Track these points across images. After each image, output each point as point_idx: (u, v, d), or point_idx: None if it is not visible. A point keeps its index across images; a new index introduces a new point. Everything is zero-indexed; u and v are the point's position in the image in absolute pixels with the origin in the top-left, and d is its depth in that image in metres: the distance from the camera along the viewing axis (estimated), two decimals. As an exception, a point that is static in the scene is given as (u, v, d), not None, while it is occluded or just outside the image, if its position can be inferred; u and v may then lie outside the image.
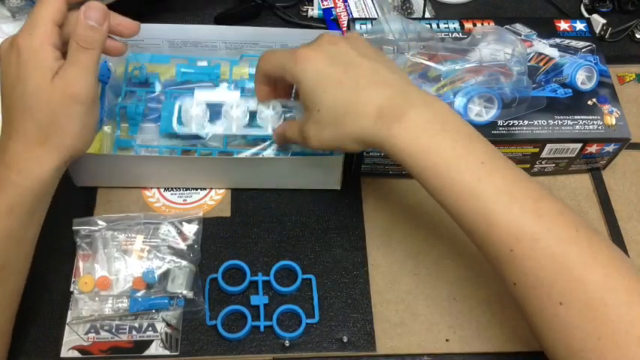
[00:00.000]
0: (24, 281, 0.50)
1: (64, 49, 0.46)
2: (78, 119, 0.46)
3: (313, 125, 0.48)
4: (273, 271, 0.55)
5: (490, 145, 0.45)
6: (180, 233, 0.57)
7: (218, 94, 0.59)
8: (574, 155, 0.60)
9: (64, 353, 0.52)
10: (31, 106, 0.44)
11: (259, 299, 0.54)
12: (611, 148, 0.60)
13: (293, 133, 0.52)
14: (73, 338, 0.52)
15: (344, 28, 0.71)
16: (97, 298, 0.53)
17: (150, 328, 0.53)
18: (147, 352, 0.52)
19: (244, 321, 0.53)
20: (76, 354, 0.52)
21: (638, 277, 0.41)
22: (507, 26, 0.64)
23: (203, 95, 0.58)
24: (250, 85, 0.62)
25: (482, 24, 0.65)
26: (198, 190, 0.61)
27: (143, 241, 0.55)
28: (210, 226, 0.59)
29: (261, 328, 0.53)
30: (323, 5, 0.75)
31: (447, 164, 0.43)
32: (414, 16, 0.74)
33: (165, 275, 0.54)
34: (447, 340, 0.54)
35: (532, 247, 0.41)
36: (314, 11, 0.75)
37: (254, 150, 0.58)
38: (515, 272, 0.42)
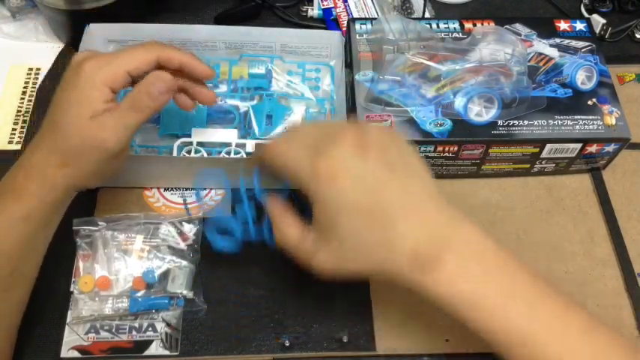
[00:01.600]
0: (31, 288, 0.50)
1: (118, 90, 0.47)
2: (97, 162, 0.46)
3: (330, 256, 0.42)
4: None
5: (530, 269, 0.42)
6: (181, 233, 0.57)
7: (216, 135, 0.59)
8: (574, 155, 0.60)
9: (64, 353, 0.52)
10: (65, 130, 0.45)
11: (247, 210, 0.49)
12: (611, 148, 0.60)
13: (291, 241, 0.44)
14: (73, 338, 0.52)
15: (344, 28, 0.71)
16: (97, 298, 0.53)
17: (150, 328, 0.53)
18: (147, 352, 0.52)
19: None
20: (76, 354, 0.52)
21: None
22: (507, 26, 0.64)
23: (200, 135, 0.59)
24: (248, 85, 0.62)
25: (482, 24, 0.65)
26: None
27: (143, 241, 0.55)
28: (210, 226, 0.59)
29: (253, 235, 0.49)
30: (323, 5, 0.75)
31: (493, 308, 0.41)
32: (414, 16, 0.74)
33: (165, 275, 0.54)
34: (446, 340, 0.54)
35: None
36: (314, 11, 0.75)
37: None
38: None
